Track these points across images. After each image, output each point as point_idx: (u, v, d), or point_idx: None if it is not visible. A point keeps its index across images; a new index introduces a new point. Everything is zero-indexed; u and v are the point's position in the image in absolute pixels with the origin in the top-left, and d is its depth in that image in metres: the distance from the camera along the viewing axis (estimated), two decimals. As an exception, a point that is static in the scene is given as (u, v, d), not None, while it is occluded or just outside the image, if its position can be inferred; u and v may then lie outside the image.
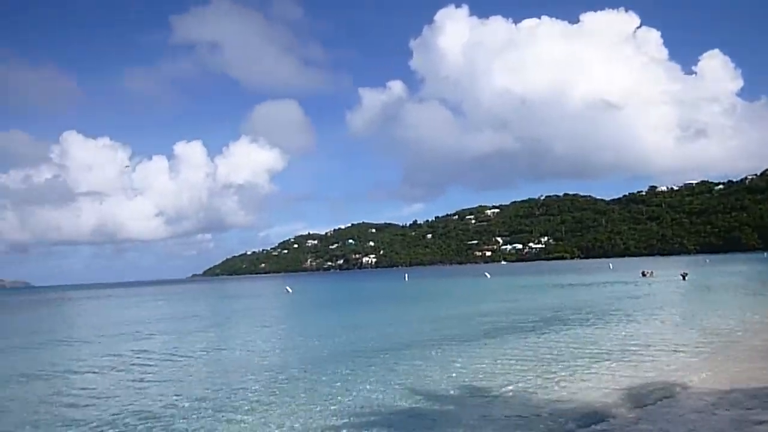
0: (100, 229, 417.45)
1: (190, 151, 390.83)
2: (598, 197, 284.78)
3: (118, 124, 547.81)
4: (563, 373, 15.77)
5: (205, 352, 24.20)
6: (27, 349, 29.39)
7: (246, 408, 13.83)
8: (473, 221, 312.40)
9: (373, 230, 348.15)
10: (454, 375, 16.36)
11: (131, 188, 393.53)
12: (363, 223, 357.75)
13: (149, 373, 19.61)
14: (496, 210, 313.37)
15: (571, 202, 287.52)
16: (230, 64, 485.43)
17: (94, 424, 13.15)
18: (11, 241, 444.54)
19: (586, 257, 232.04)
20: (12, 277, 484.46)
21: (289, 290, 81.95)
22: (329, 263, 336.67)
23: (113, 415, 13.86)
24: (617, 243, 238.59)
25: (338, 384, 15.85)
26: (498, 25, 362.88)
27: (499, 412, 12.49)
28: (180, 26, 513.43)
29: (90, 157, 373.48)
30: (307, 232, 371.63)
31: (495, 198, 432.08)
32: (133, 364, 21.74)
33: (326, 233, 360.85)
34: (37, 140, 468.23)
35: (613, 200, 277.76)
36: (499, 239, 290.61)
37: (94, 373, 20.37)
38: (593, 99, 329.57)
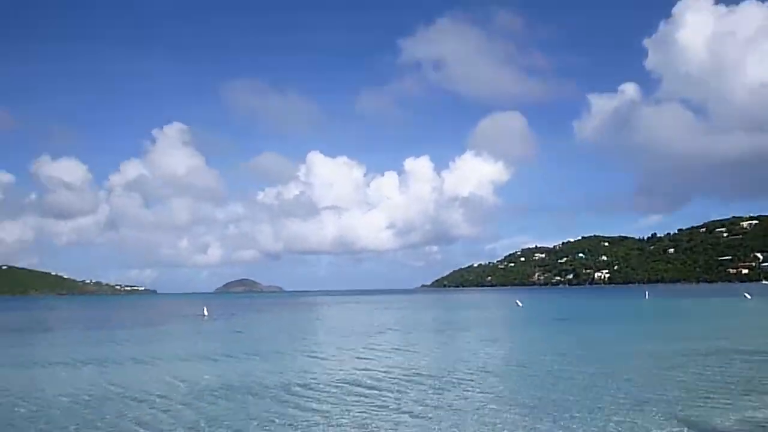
0: (340, 240, 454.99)
1: (419, 166, 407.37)
2: None
3: (354, 143, 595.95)
4: None
5: (434, 358, 24.14)
6: (287, 344, 32.30)
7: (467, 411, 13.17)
8: (725, 234, 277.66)
9: (606, 243, 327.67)
10: None
11: (366, 202, 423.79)
12: (594, 236, 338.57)
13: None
14: (754, 222, 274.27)
15: None
16: (454, 80, 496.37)
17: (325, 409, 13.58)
18: (267, 250, 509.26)
19: None
20: (267, 282, 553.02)
21: (519, 304, 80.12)
22: (558, 278, 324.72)
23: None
24: None
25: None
26: (751, 11, 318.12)
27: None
28: (407, 47, 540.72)
29: (331, 175, 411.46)
30: (534, 245, 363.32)
31: (751, 208, 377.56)
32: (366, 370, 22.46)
33: (554, 246, 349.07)
34: (287, 160, 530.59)
35: None
36: (758, 255, 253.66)
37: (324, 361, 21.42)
38: None
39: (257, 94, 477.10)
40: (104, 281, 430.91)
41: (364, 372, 21.22)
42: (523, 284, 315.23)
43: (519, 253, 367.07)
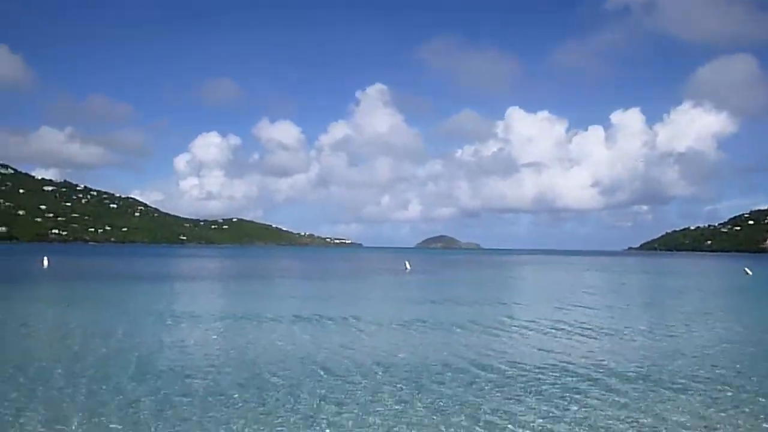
0: (540, 198, 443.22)
1: (627, 119, 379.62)
2: None
3: (556, 98, 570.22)
4: None
5: (636, 330, 21.90)
6: (485, 301, 32.10)
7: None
8: None
9: None
10: None
11: (568, 159, 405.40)
12: None
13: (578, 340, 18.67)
14: None
15: None
16: (669, 23, 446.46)
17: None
18: (465, 207, 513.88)
19: None
20: (465, 239, 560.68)
21: (749, 272, 71.04)
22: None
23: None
24: None
25: None
26: None
27: None
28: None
29: (531, 131, 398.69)
30: (767, 207, 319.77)
31: None
32: (554, 329, 21.31)
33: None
34: (484, 118, 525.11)
35: None
36: None
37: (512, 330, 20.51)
38: None
39: (455, 51, 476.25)
40: (316, 234, 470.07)
41: (560, 348, 18.49)
42: (751, 251, 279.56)
43: (747, 215, 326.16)
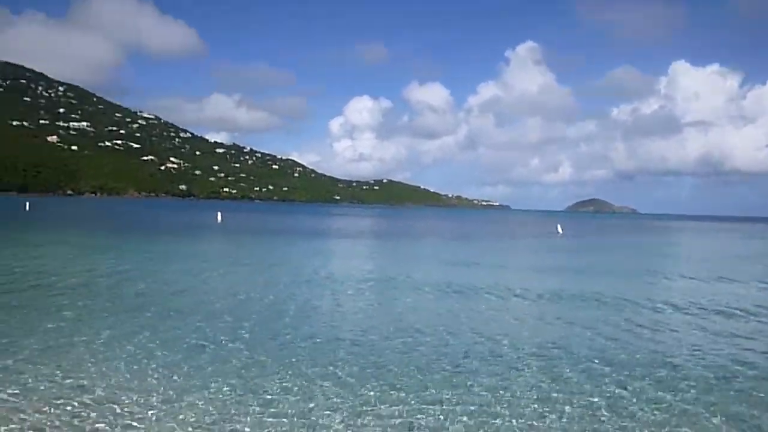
0: (705, 160, 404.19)
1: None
2: None
3: (728, 49, 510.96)
4: None
5: None
6: (638, 269, 30.34)
7: None
8: None
9: None
10: None
11: (741, 117, 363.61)
12: None
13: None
14: None
15: None
16: None
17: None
18: (619, 169, 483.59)
19: None
20: (619, 202, 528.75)
21: None
22: None
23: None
24: None
25: None
26: None
27: None
28: None
29: (697, 86, 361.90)
30: None
31: None
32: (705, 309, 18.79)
33: None
34: (644, 74, 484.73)
35: None
36: None
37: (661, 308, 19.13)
38: None
39: (611, 2, 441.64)
40: (464, 195, 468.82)
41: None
42: None
43: None
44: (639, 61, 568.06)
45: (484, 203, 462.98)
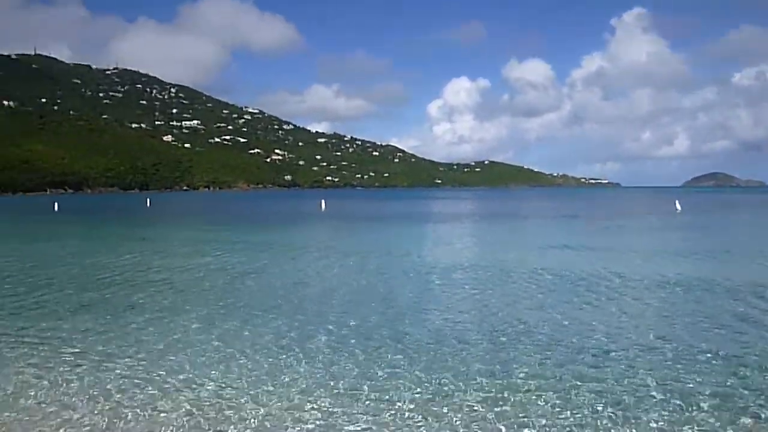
0: None
1: None
2: None
3: None
4: None
5: None
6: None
7: None
8: None
9: None
10: None
11: None
12: None
13: None
14: None
15: None
16: None
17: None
18: (744, 140, 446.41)
19: None
20: (745, 176, 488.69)
21: None
22: None
23: None
24: None
25: None
26: None
27: None
28: None
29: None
30: None
31: None
32: None
33: None
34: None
35: None
36: None
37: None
38: None
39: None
40: (570, 174, 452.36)
41: None
42: None
43: None
44: (763, 19, 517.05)
45: (593, 181, 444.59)
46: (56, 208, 76.24)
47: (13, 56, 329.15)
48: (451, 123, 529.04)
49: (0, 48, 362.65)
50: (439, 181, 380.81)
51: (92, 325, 12.83)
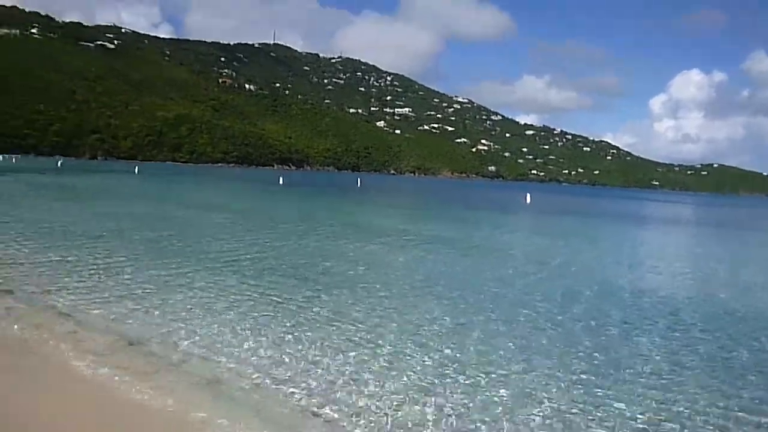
0: None
1: None
2: None
3: None
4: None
5: None
6: None
7: None
8: None
9: None
10: None
11: None
12: None
13: None
14: None
15: None
16: None
17: None
18: None
19: None
20: None
21: None
22: None
23: None
24: None
25: None
26: None
27: None
28: None
29: None
30: None
31: None
32: None
33: None
34: None
35: None
36: None
37: None
38: None
39: None
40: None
41: None
42: None
43: None
44: None
45: None
46: (281, 181, 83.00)
47: (256, 45, 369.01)
48: (676, 120, 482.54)
49: (245, 37, 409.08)
50: (657, 183, 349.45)
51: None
